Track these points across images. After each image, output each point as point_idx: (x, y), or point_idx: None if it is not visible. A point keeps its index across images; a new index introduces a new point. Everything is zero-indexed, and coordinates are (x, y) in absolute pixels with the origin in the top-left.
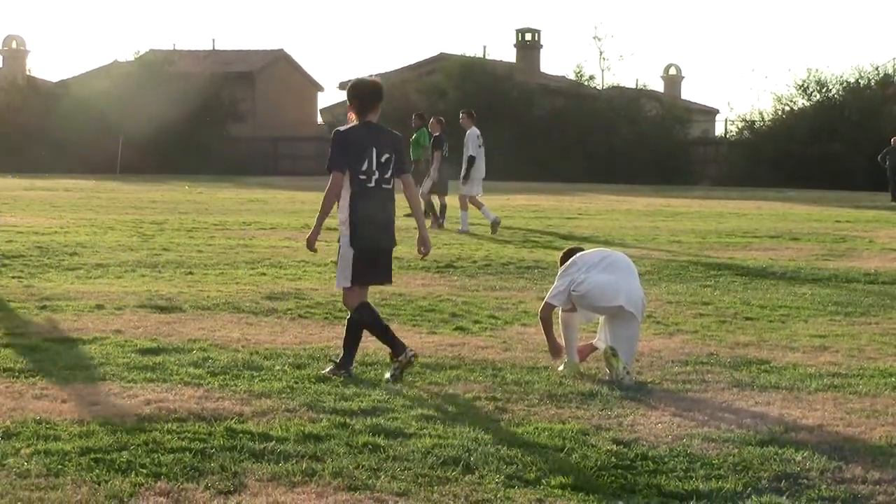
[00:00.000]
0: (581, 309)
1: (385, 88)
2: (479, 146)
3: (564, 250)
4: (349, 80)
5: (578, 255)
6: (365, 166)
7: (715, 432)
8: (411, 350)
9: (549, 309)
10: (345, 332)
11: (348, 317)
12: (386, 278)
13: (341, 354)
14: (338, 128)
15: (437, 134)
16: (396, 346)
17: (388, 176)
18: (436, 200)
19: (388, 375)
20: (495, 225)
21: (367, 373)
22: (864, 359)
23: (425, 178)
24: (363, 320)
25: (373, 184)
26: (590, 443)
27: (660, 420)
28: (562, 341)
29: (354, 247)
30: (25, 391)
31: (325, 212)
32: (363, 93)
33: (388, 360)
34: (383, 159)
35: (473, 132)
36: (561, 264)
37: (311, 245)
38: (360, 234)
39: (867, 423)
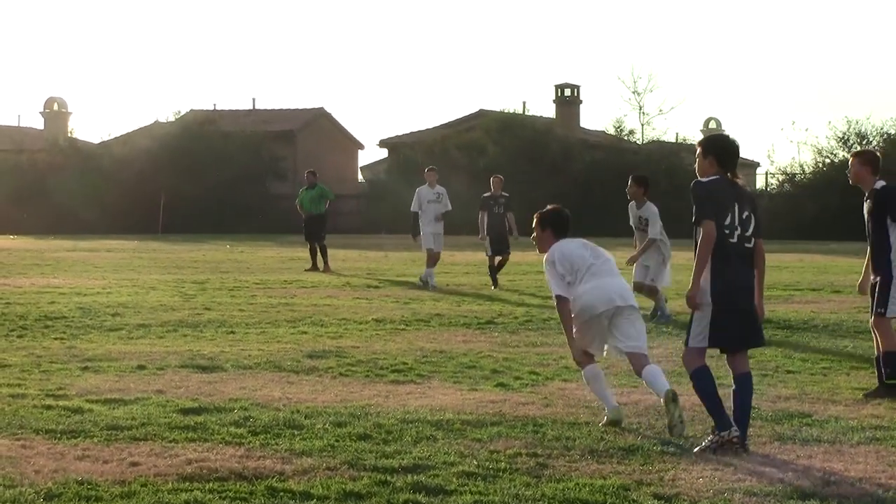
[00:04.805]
0: (609, 347)
1: (425, 145)
2: (430, 201)
3: (540, 213)
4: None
5: (557, 251)
6: (728, 220)
7: (756, 486)
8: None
9: (562, 301)
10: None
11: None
12: (749, 341)
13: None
14: (697, 179)
15: (508, 194)
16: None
17: (748, 234)
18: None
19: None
20: (428, 285)
21: (408, 430)
22: None
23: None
24: (698, 386)
25: (734, 239)
26: (631, 498)
27: (701, 474)
28: (583, 354)
29: (713, 303)
30: (67, 452)
31: (704, 263)
32: (726, 147)
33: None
34: (745, 216)
35: (424, 189)
36: (537, 225)
37: (694, 302)
38: (720, 290)
39: None
